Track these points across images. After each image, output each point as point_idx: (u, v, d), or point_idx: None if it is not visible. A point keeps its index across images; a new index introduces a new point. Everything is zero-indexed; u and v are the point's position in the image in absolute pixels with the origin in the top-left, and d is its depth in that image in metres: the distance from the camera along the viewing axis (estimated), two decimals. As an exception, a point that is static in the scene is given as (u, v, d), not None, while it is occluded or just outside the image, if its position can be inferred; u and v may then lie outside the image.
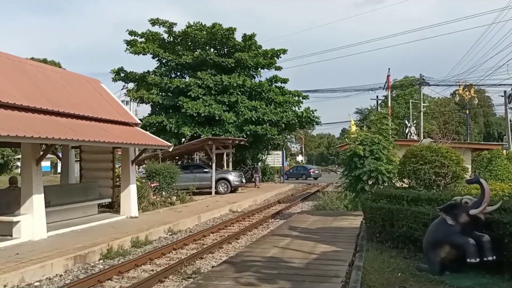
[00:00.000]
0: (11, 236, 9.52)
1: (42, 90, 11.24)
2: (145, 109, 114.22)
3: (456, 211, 6.02)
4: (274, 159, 38.76)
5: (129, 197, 13.44)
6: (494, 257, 5.54)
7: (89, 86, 14.00)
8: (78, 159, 15.68)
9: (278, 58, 30.52)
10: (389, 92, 36.95)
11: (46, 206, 10.16)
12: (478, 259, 5.56)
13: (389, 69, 39.24)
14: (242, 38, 28.90)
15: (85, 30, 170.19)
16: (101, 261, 8.85)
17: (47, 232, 10.04)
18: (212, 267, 7.93)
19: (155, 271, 7.98)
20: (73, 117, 11.54)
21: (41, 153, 10.05)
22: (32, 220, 9.69)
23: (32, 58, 31.05)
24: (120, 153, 14.80)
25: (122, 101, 39.67)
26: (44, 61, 46.46)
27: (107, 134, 11.75)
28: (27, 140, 8.75)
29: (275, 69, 30.97)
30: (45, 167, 43.33)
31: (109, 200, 14.15)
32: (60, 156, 15.17)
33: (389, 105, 35.36)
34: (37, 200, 9.79)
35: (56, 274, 7.76)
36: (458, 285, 5.64)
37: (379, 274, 6.23)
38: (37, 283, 7.24)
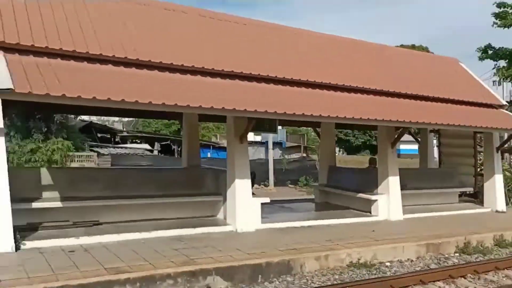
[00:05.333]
0: (370, 213, 10.17)
1: (394, 73, 11.42)
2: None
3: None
4: None
5: (494, 188, 11.70)
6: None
7: (446, 67, 13.20)
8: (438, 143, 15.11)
9: None
10: None
11: (402, 189, 10.21)
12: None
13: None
14: None
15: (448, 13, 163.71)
16: (456, 254, 8.06)
17: (403, 215, 10.10)
18: None
19: (521, 279, 6.51)
20: (428, 100, 11.17)
21: (395, 136, 10.20)
22: (388, 201, 9.97)
23: (402, 46, 32.25)
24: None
25: (493, 81, 35.62)
26: (412, 46, 46.44)
27: (465, 117, 10.74)
28: (383, 123, 9.19)
29: None
30: (411, 150, 44.39)
31: (471, 189, 12.88)
32: (419, 140, 15.04)
33: None
34: (393, 182, 9.99)
35: (408, 259, 7.57)
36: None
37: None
38: (388, 263, 7.25)
